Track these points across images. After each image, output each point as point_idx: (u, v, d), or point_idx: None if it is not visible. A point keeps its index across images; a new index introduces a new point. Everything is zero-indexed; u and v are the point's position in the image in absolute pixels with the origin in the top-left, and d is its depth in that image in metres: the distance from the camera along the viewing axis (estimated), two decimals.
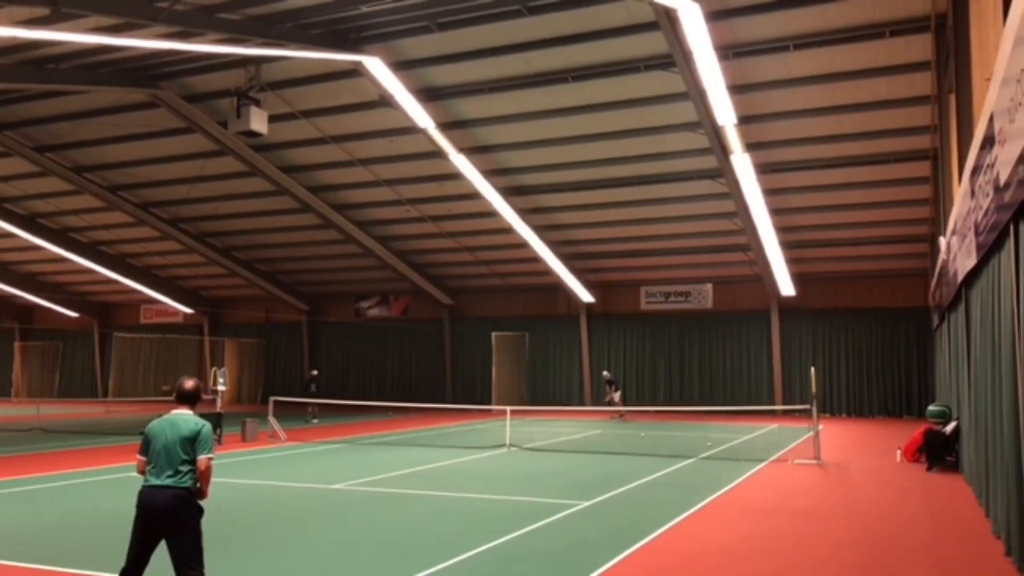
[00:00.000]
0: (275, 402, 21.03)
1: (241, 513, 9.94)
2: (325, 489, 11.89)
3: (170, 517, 5.37)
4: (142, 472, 5.56)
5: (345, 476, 13.15)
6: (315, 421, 25.13)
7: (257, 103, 19.48)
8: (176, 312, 39.10)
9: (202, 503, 5.60)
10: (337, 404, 24.67)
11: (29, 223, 31.48)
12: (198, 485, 5.51)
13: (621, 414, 27.14)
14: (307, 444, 18.58)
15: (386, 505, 10.56)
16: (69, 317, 41.01)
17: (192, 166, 25.99)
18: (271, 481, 12.55)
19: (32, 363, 41.64)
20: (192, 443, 5.50)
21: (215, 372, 20.62)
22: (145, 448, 5.61)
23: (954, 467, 14.00)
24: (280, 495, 11.33)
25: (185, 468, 5.45)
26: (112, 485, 12.24)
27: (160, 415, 5.81)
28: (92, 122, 23.94)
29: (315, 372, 29.23)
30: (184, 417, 5.62)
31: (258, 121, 19.35)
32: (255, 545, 8.27)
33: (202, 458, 5.50)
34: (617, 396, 27.43)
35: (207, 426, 5.63)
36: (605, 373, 28.81)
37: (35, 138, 25.65)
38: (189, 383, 5.79)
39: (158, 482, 5.42)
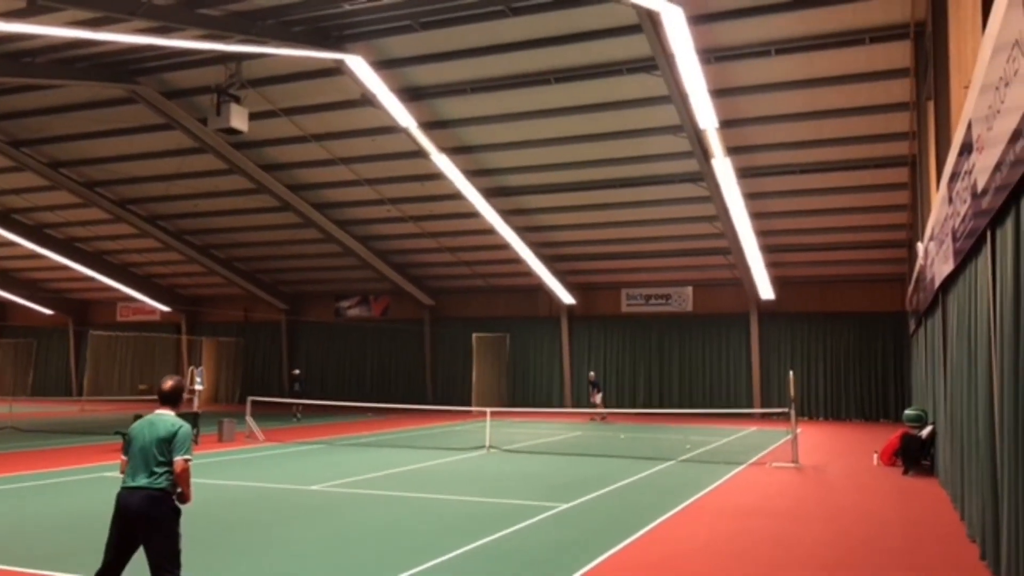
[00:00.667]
0: (255, 402, 20.86)
1: (218, 514, 9.84)
2: (303, 490, 11.80)
3: (144, 518, 5.31)
4: (124, 472, 5.54)
5: (323, 477, 13.06)
6: (297, 417, 25.63)
7: (238, 100, 19.33)
8: (153, 310, 38.71)
9: (182, 506, 5.52)
10: (317, 404, 24.56)
11: (3, 219, 31.04)
12: (179, 489, 5.43)
13: (602, 416, 27.19)
14: (285, 445, 18.44)
15: (365, 506, 10.49)
16: (43, 314, 40.46)
17: (171, 163, 25.72)
18: (248, 482, 12.44)
19: (5, 361, 41.01)
20: (168, 444, 5.41)
21: (192, 371, 20.44)
22: (127, 448, 5.58)
23: (930, 471, 14.14)
24: (258, 496, 11.23)
25: (160, 469, 5.38)
26: (87, 485, 12.08)
27: (139, 414, 5.76)
28: (69, 117, 23.64)
29: (296, 371, 29.22)
30: (163, 418, 5.54)
31: (238, 118, 19.20)
32: (232, 547, 8.19)
33: (178, 459, 5.39)
34: (598, 399, 27.50)
35: (185, 427, 5.53)
36: (591, 374, 28.83)
37: (10, 133, 25.28)
38: (168, 383, 5.70)
39: (133, 483, 5.38)
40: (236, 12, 17.10)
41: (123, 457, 5.60)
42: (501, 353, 32.32)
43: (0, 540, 8.32)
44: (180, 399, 5.76)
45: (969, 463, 8.51)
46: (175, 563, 5.37)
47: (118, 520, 5.39)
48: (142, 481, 5.35)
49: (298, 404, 24.85)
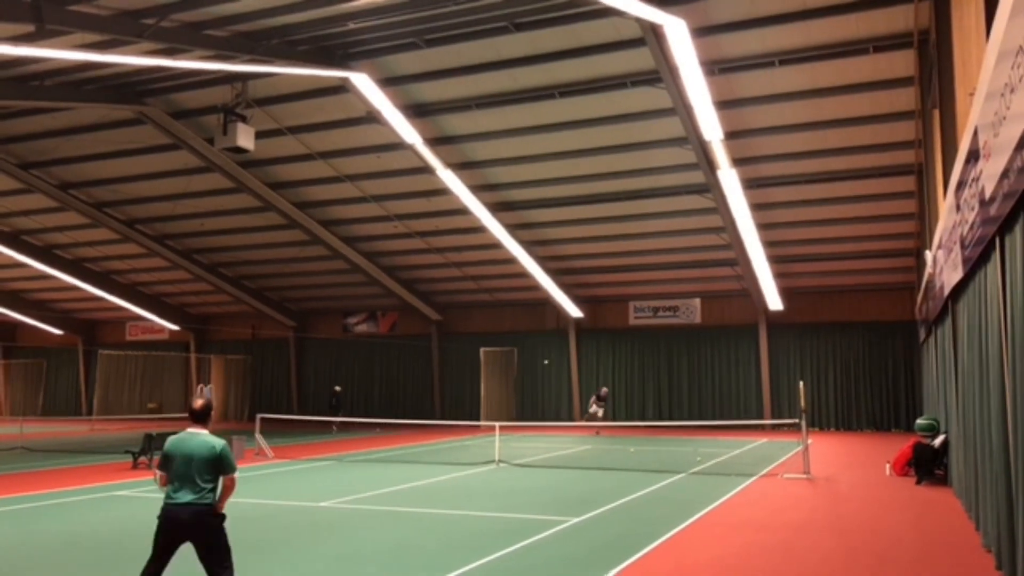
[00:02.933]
0: (264, 419, 20.84)
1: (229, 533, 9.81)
2: (313, 507, 11.77)
3: (195, 529, 5.75)
4: (164, 485, 5.89)
5: (333, 494, 13.03)
6: (334, 430, 27.93)
7: (244, 119, 19.43)
8: (162, 329, 38.83)
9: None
10: (322, 421, 24.62)
11: (13, 240, 31.23)
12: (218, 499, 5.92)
13: (597, 430, 27.16)
14: (295, 461, 18.42)
15: (374, 523, 10.45)
16: (53, 335, 40.63)
17: (178, 183, 25.88)
18: (258, 499, 12.41)
19: (15, 381, 41.19)
20: (214, 463, 5.84)
21: (201, 389, 20.47)
22: (165, 464, 5.89)
23: (943, 480, 14.02)
24: (267, 513, 11.20)
25: (207, 486, 5.81)
26: (97, 504, 12.07)
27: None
28: (78, 139, 23.83)
29: (337, 388, 30.38)
30: (201, 439, 5.90)
31: (245, 137, 19.30)
32: (242, 565, 8.14)
33: (228, 477, 5.94)
34: (600, 412, 27.43)
35: (226, 447, 5.94)
36: (603, 389, 28.67)
37: (20, 155, 25.49)
38: (199, 401, 6.09)
39: (179, 499, 5.75)
40: (241, 32, 17.24)
41: (159, 472, 5.95)
42: (509, 367, 32.26)
43: (13, 560, 8.31)
44: (211, 417, 6.14)
45: (983, 472, 8.43)
46: (229, 561, 5.92)
47: (166, 531, 5.76)
48: (188, 497, 5.73)
49: (336, 421, 27.04)
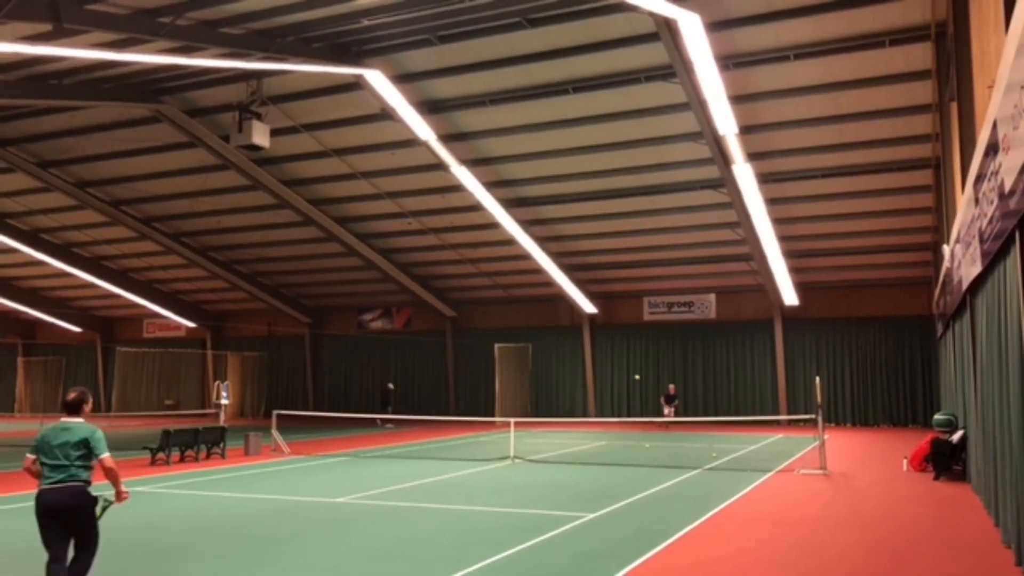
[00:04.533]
0: (280, 415, 20.96)
1: (244, 527, 9.89)
2: (328, 503, 11.83)
3: (71, 508, 6.16)
4: (29, 467, 6.33)
5: (349, 489, 13.10)
6: (378, 424, 28.74)
7: (259, 117, 19.54)
8: (179, 326, 39.11)
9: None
10: (340, 417, 24.69)
11: (32, 238, 31.55)
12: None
13: (666, 424, 27.27)
14: (311, 457, 18.52)
15: (390, 519, 10.50)
16: (72, 332, 41.03)
17: (194, 180, 26.05)
18: (275, 495, 12.49)
19: (35, 378, 41.60)
20: (84, 447, 6.19)
21: (218, 386, 20.62)
22: (37, 450, 6.30)
23: (961, 476, 13.92)
24: (283, 509, 11.28)
25: (80, 466, 6.19)
26: None
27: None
28: (95, 137, 24.03)
29: (390, 386, 31.17)
30: (73, 427, 6.28)
31: (260, 135, 19.40)
32: (258, 560, 8.22)
33: (101, 459, 6.21)
34: (671, 411, 27.48)
35: (96, 430, 6.29)
36: (671, 387, 28.56)
37: (38, 154, 25.73)
38: (71, 394, 6.45)
39: (55, 480, 6.17)
40: (256, 30, 17.32)
41: (29, 456, 6.30)
42: (523, 363, 32.29)
43: (32, 555, 8.40)
44: (84, 409, 6.46)
45: (1002, 467, 8.37)
46: (95, 545, 6.31)
47: (45, 515, 6.17)
48: (60, 476, 6.14)
49: (384, 418, 27.74)
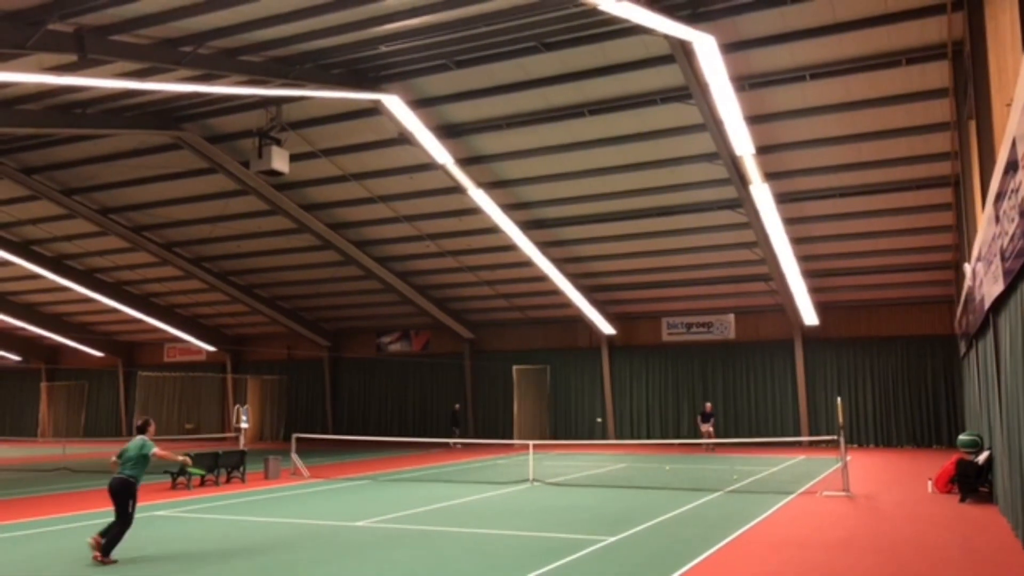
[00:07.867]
0: (299, 439, 20.99)
1: (264, 552, 9.90)
2: (349, 527, 11.82)
3: (120, 489, 9.66)
4: (113, 468, 9.83)
5: (368, 513, 13.08)
6: (450, 444, 29.60)
7: (278, 142, 19.77)
8: (199, 350, 39.39)
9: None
10: (360, 440, 24.67)
11: (56, 265, 31.99)
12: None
13: (711, 447, 26.98)
14: (330, 481, 18.53)
15: (410, 542, 10.48)
16: (94, 357, 41.44)
17: (215, 206, 26.36)
18: (294, 519, 12.50)
19: (58, 403, 41.99)
20: (141, 454, 9.75)
21: (238, 410, 20.70)
22: (121, 455, 9.99)
23: (988, 498, 13.69)
24: (304, 533, 11.28)
25: (131, 469, 9.69)
26: (139, 524, 12.18)
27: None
28: (117, 165, 24.40)
29: (457, 407, 31.90)
30: (137, 441, 9.86)
31: (280, 160, 19.62)
32: None
33: (153, 452, 9.73)
34: (710, 429, 27.22)
35: (148, 441, 9.80)
36: (707, 405, 28.34)
37: (63, 181, 26.15)
38: (138, 421, 10.17)
39: (119, 473, 9.72)
40: (276, 57, 17.58)
41: (114, 458, 9.81)
42: (542, 385, 32.20)
43: None
44: (147, 430, 10.02)
45: None
46: (129, 517, 9.63)
47: (111, 490, 9.73)
48: (122, 472, 9.69)
49: (455, 442, 28.85)
